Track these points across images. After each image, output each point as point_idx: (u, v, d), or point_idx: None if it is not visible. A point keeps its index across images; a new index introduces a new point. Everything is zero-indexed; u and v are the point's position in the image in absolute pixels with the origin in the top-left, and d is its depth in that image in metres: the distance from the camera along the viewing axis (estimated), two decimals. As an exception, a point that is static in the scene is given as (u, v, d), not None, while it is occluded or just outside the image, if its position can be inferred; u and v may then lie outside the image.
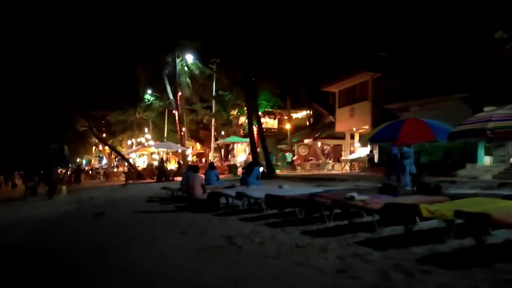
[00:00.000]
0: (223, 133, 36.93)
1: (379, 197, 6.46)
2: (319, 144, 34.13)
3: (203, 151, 46.41)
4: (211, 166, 13.52)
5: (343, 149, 33.05)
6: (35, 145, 42.37)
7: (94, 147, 62.37)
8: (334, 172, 25.90)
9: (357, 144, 27.87)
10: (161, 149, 30.12)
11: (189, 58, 27.88)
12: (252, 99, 23.19)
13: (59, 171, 21.86)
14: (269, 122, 36.24)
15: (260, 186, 10.55)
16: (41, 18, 29.76)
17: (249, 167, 11.41)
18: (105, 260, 5.41)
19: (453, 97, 18.81)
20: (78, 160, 64.50)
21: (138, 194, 15.54)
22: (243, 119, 34.22)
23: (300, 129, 36.39)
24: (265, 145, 23.39)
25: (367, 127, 25.45)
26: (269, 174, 22.33)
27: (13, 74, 33.83)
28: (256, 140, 29.88)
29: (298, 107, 36.37)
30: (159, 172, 23.92)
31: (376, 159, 24.14)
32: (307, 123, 37.56)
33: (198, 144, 41.06)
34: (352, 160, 25.49)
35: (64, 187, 20.98)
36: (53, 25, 29.51)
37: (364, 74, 24.83)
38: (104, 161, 61.29)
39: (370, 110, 24.72)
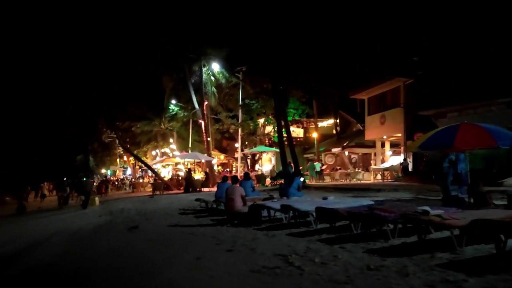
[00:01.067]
0: (246, 143, 36.49)
1: (450, 210, 5.77)
2: (346, 153, 33.25)
3: (226, 161, 46.03)
4: (246, 176, 12.90)
5: (372, 157, 32.16)
6: (63, 156, 43.03)
7: (118, 158, 62.78)
8: (365, 181, 25.01)
9: (388, 152, 26.96)
10: (187, 160, 29.77)
11: (215, 67, 27.55)
12: (282, 108, 22.61)
13: (93, 182, 21.70)
14: (295, 131, 35.59)
15: (302, 197, 9.94)
16: (70, 30, 30.24)
17: (289, 177, 10.78)
18: (149, 284, 4.88)
19: (496, 102, 17.86)
20: (103, 171, 65.23)
21: (168, 206, 15.11)
22: (269, 128, 33.71)
23: (326, 138, 35.64)
24: (295, 155, 22.73)
25: (399, 134, 24.58)
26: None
27: (42, 88, 34.54)
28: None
29: (324, 115, 35.66)
30: (187, 183, 23.51)
31: (410, 167, 23.20)
32: (334, 132, 36.78)
33: (221, 154, 40.68)
34: (384, 169, 24.54)
35: (97, 198, 20.79)
36: (85, 40, 29.92)
37: (395, 80, 24.04)
38: (129, 171, 61.60)
39: (402, 117, 23.84)
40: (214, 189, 25.59)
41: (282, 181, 25.12)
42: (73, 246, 8.32)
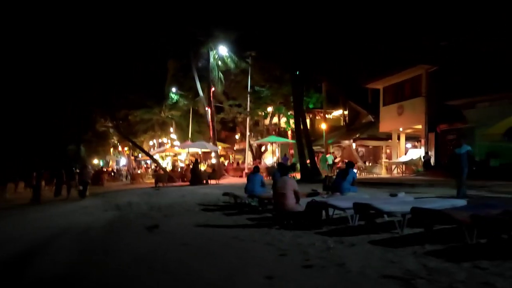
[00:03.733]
0: (251, 133, 34.82)
1: None
2: (353, 145, 31.73)
3: (224, 153, 44.32)
4: (256, 169, 11.22)
5: (383, 150, 30.72)
6: (55, 146, 41.01)
7: (112, 148, 60.73)
8: (382, 176, 23.51)
9: (408, 145, 25.50)
10: (192, 150, 28.03)
11: (223, 51, 25.71)
12: (299, 96, 20.96)
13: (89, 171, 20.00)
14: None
15: (359, 193, 8.37)
16: (59, 17, 28.18)
17: (343, 169, 9.16)
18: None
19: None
20: (95, 161, 63.10)
21: (182, 200, 13.47)
22: (276, 118, 32.06)
23: (333, 130, 34.04)
24: (311, 146, 21.16)
25: (420, 126, 23.13)
26: (315, 178, 20.21)
27: (32, 75, 32.38)
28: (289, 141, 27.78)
29: (332, 106, 34.06)
30: (193, 174, 21.85)
31: (432, 161, 21.75)
32: (342, 123, 35.26)
33: (225, 145, 39.01)
34: (404, 163, 23.05)
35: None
36: (75, 19, 27.90)
37: (417, 67, 22.49)
38: (122, 162, 59.63)
39: (424, 108, 22.37)
40: (222, 181, 24.17)
41: (294, 174, 23.92)
42: (87, 251, 6.64)
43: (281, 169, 7.84)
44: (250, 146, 31.55)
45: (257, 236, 6.58)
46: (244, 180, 25.39)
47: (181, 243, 6.59)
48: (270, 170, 23.53)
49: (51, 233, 8.25)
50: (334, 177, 9.57)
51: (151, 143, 45.43)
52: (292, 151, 31.41)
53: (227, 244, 6.22)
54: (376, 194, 10.24)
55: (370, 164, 27.58)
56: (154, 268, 5.19)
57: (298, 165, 24.54)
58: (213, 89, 26.45)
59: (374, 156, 31.90)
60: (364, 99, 32.18)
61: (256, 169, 10.78)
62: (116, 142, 53.02)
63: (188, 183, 22.81)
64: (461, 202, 6.19)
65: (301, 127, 21.11)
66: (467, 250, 4.81)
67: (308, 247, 5.52)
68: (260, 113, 28.99)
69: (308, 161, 21.25)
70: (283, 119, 31.55)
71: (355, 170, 9.11)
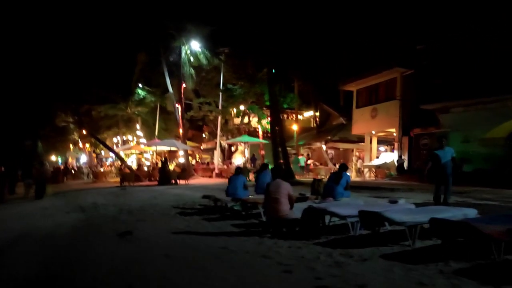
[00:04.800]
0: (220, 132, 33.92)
1: None
2: (324, 147, 31.49)
3: (191, 152, 43.15)
4: (239, 170, 10.49)
5: (354, 153, 30.64)
6: (8, 141, 38.45)
7: (72, 145, 58.05)
8: (355, 179, 23.23)
9: (381, 148, 25.41)
10: (160, 148, 26.84)
11: (195, 46, 24.67)
12: (276, 95, 20.33)
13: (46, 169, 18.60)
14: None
15: (353, 199, 7.77)
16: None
17: (335, 172, 8.49)
18: None
19: (512, 97, 16.45)
20: (53, 158, 60.18)
21: (153, 201, 12.51)
22: (248, 118, 31.32)
23: (304, 131, 33.69)
24: (285, 146, 20.59)
25: (393, 129, 23.03)
26: (289, 180, 19.59)
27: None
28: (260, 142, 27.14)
29: (303, 107, 33.66)
30: (162, 174, 20.79)
31: (405, 165, 21.67)
32: (313, 125, 34.99)
33: (194, 144, 37.87)
34: (377, 167, 22.88)
35: (50, 187, 17.80)
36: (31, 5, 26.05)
37: (393, 70, 22.36)
38: (83, 159, 57.14)
39: (398, 111, 22.24)
40: (192, 182, 23.20)
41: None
42: (49, 263, 5.66)
43: (274, 171, 7.10)
44: (221, 145, 30.67)
45: (249, 246, 5.83)
46: (214, 180, 24.75)
47: (161, 253, 5.73)
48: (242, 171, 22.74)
49: (5, 240, 7.18)
50: (324, 180, 8.95)
51: (114, 140, 43.55)
52: (262, 152, 30.77)
53: (217, 256, 5.43)
54: (370, 201, 9.70)
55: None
56: (133, 286, 4.35)
57: (270, 166, 23.90)
58: (184, 85, 25.38)
59: (344, 158, 31.76)
60: (336, 101, 32.03)
61: (238, 171, 10.02)
62: (76, 138, 50.64)
63: (155, 183, 21.74)
64: (472, 212, 5.68)
65: (276, 127, 20.47)
66: (499, 269, 4.25)
67: (313, 262, 4.83)
68: (232, 111, 28.13)
69: (281, 162, 20.64)
70: (255, 119, 30.90)
71: (348, 174, 8.42)
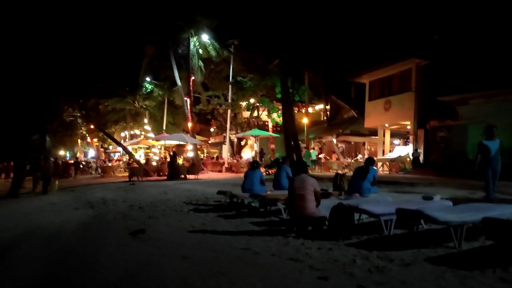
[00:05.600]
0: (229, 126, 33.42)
1: None
2: (334, 141, 30.92)
3: (199, 146, 42.68)
4: (255, 165, 9.95)
5: (366, 147, 30.06)
6: (16, 136, 38.25)
7: (80, 139, 57.84)
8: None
9: (395, 141, 24.77)
10: (169, 142, 26.38)
11: (205, 38, 24.09)
12: (288, 87, 19.76)
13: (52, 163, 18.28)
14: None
15: (380, 195, 7.24)
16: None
17: (362, 166, 7.91)
18: None
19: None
20: (62, 152, 60.04)
21: (164, 197, 12.05)
22: (258, 111, 30.75)
23: (314, 125, 33.07)
24: (297, 140, 20.06)
25: (408, 122, 22.40)
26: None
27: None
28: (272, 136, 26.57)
29: (314, 100, 33.03)
30: (171, 168, 20.35)
31: (421, 159, 21.06)
32: (322, 118, 34.38)
33: (203, 138, 37.43)
34: (391, 160, 22.26)
35: (56, 182, 17.43)
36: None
37: (407, 61, 21.69)
38: (90, 154, 56.95)
39: (413, 103, 21.61)
40: (202, 176, 22.72)
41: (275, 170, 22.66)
42: (56, 265, 5.21)
43: (298, 165, 6.56)
44: (230, 139, 30.19)
45: (274, 247, 5.33)
46: (224, 175, 24.27)
47: (179, 255, 5.25)
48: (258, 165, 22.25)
49: (9, 238, 6.74)
50: (347, 174, 8.41)
51: (122, 134, 43.25)
52: (272, 146, 30.24)
53: (240, 258, 4.93)
54: (400, 197, 9.11)
55: (353, 161, 26.73)
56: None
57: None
58: (192, 78, 24.85)
59: (355, 152, 31.18)
60: (347, 94, 31.38)
61: (255, 165, 9.50)
62: (84, 132, 50.42)
63: (164, 177, 21.32)
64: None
65: (288, 120, 19.94)
66: None
67: (350, 266, 4.31)
68: (242, 105, 27.59)
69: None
70: (264, 112, 30.39)
71: (375, 168, 7.86)
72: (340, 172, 11.02)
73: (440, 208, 5.17)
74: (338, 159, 27.52)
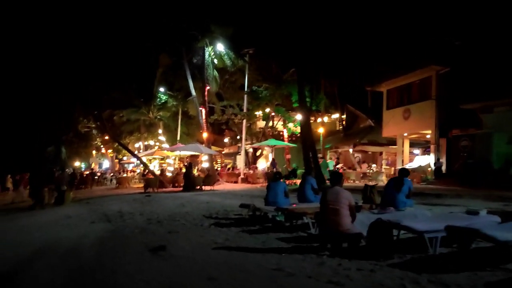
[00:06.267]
0: (238, 137, 33.11)
1: None
2: (350, 151, 30.35)
3: (213, 157, 42.38)
4: (278, 176, 9.46)
5: (384, 157, 29.40)
6: (32, 147, 38.52)
7: (94, 150, 58.17)
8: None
9: (415, 151, 24.13)
10: (184, 153, 26.08)
11: (220, 47, 23.88)
12: (304, 97, 19.38)
13: (67, 175, 18.08)
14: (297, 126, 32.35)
15: (417, 209, 6.75)
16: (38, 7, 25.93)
17: (395, 177, 7.42)
18: None
19: None
20: (77, 163, 60.37)
21: (182, 209, 11.66)
22: (272, 121, 30.39)
23: (329, 134, 32.53)
24: (315, 150, 19.59)
25: (429, 131, 21.77)
26: (320, 185, 18.57)
27: (9, 68, 29.90)
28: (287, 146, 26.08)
29: (328, 109, 32.51)
30: (186, 179, 20.00)
31: (444, 169, 20.40)
32: (338, 127, 33.84)
33: (218, 148, 37.15)
34: (412, 170, 21.56)
35: (71, 193, 17.19)
36: (52, 11, 25.72)
37: (427, 69, 21.16)
38: (105, 165, 57.16)
39: (434, 111, 21.02)
40: (217, 187, 22.33)
41: (295, 181, 22.25)
42: (73, 287, 4.83)
43: (332, 177, 6.11)
44: (246, 150, 29.80)
45: (308, 267, 4.88)
46: (240, 186, 23.83)
47: (204, 276, 4.84)
48: (270, 176, 21.81)
49: (22, 256, 6.39)
50: (377, 186, 7.93)
51: (136, 145, 43.22)
52: (288, 156, 29.77)
53: (272, 280, 4.49)
54: (439, 211, 8.55)
55: (372, 171, 26.09)
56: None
57: (298, 171, 22.94)
58: (208, 87, 24.60)
59: (372, 162, 30.53)
60: (363, 103, 30.85)
61: (277, 176, 9.05)
62: (99, 144, 50.62)
63: (180, 188, 20.97)
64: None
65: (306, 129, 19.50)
66: None
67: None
68: (258, 114, 27.23)
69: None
70: (280, 122, 29.97)
71: (409, 179, 7.35)
72: (370, 183, 10.47)
73: (498, 226, 4.68)
74: (355, 169, 26.94)
